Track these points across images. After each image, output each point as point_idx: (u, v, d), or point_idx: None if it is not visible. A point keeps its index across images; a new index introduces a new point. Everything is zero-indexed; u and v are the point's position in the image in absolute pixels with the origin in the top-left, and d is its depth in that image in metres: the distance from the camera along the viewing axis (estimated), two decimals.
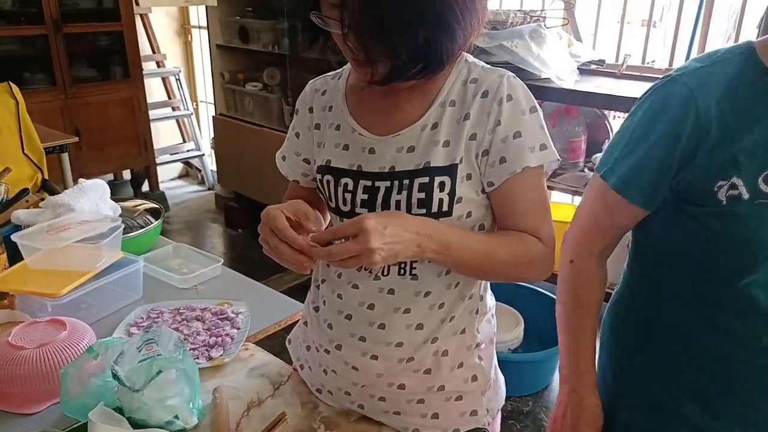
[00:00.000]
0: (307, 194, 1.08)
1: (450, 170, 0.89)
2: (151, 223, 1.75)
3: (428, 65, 0.85)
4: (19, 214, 1.55)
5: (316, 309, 1.05)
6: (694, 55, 2.58)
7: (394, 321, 0.95)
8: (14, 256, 1.44)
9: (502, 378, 1.11)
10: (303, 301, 1.14)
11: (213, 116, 4.23)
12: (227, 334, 1.28)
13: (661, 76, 0.97)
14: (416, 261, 0.93)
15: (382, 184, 0.92)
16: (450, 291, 0.96)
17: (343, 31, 0.82)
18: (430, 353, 0.98)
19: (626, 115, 1.00)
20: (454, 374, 1.00)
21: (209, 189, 4.84)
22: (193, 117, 4.84)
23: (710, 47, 2.55)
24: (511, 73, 0.92)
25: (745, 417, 0.94)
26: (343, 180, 0.95)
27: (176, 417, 1.01)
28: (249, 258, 3.63)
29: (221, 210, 4.35)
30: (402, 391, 0.99)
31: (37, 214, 1.55)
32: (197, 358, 1.21)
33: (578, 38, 2.76)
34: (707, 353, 0.95)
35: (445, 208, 0.90)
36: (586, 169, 2.53)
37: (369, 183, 0.93)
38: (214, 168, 4.56)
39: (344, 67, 1.03)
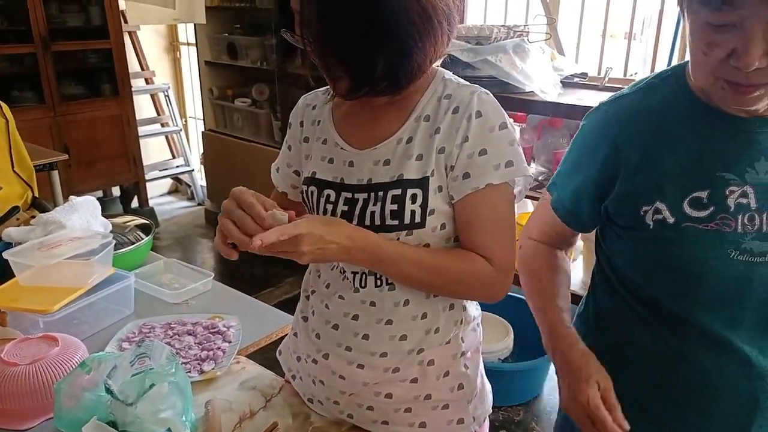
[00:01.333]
0: (289, 206, 1.08)
1: (422, 183, 0.92)
2: (142, 239, 1.76)
3: (388, 84, 0.89)
4: (10, 231, 1.56)
5: (305, 319, 1.07)
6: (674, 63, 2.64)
7: (377, 332, 0.98)
8: (5, 273, 1.45)
9: (488, 386, 1.13)
10: (293, 314, 1.16)
11: (202, 132, 4.25)
12: (219, 348, 1.29)
13: None
14: None
15: (361, 196, 0.95)
16: (430, 301, 0.99)
17: (306, 48, 0.88)
18: (416, 363, 1.00)
19: None
20: (441, 383, 1.02)
21: (199, 204, 4.84)
22: (182, 133, 4.85)
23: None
24: (483, 90, 0.94)
25: None
26: (326, 191, 0.99)
27: (169, 430, 1.02)
28: (239, 273, 3.64)
29: (211, 225, 4.36)
30: (389, 400, 1.01)
31: (28, 231, 1.56)
32: (189, 371, 1.22)
33: (561, 52, 2.82)
34: (662, 374, 0.95)
35: (417, 219, 0.92)
36: None
37: (350, 195, 0.96)
38: (204, 183, 4.57)
39: None
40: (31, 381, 1.10)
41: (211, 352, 1.27)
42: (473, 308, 1.07)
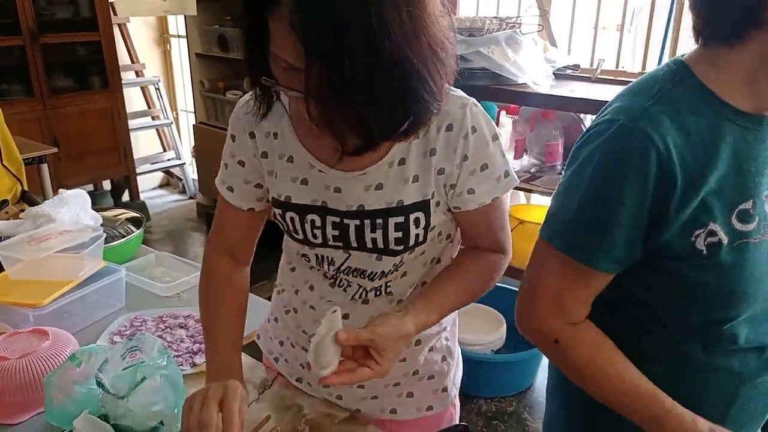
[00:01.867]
0: (249, 220, 1.04)
1: (423, 206, 0.91)
2: (133, 232, 1.75)
3: (401, 133, 0.78)
4: None
5: (287, 312, 1.08)
6: (666, 58, 2.65)
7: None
8: None
9: (459, 349, 1.16)
10: None
11: (193, 125, 4.22)
12: None
13: (600, 118, 0.83)
14: (390, 281, 0.98)
15: (351, 222, 0.92)
16: (416, 291, 1.01)
17: (306, 100, 0.72)
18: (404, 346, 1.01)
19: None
20: (427, 358, 1.06)
21: (190, 198, 4.82)
22: (173, 126, 4.82)
23: (681, 50, 2.62)
24: (472, 101, 0.89)
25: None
26: (309, 216, 0.94)
27: (161, 423, 1.01)
28: None
29: (203, 219, 4.34)
30: (379, 379, 1.02)
31: (18, 225, 1.55)
32: (181, 364, 1.22)
33: (553, 44, 2.81)
34: (700, 390, 0.89)
35: (421, 239, 0.93)
36: (563, 172, 2.57)
37: (337, 219, 0.92)
38: (195, 177, 4.55)
39: None
40: (21, 375, 1.09)
41: (203, 345, 1.26)
42: None
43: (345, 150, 0.79)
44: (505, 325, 2.59)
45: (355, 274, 0.97)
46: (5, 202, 1.71)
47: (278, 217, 0.98)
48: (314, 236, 0.95)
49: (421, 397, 1.08)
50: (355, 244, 0.93)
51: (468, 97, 0.90)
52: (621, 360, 0.86)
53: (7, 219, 1.62)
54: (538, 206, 2.88)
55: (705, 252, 0.79)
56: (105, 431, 0.97)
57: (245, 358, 1.27)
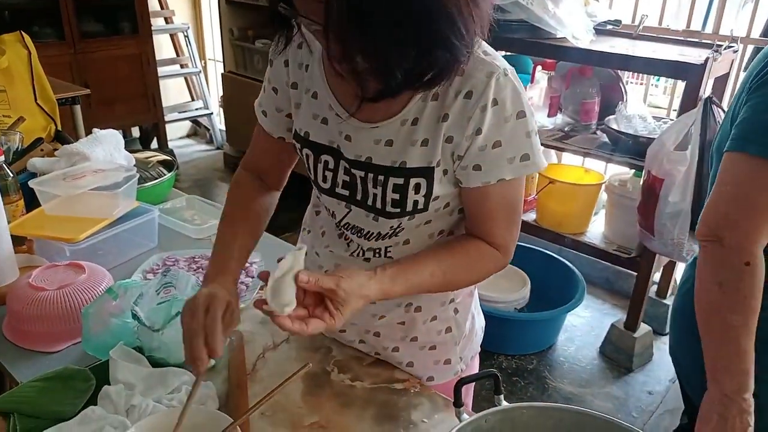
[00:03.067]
0: (281, 150, 1.03)
1: (426, 172, 0.85)
2: (164, 174, 1.76)
3: (425, 83, 0.75)
4: (35, 162, 1.56)
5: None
6: (711, 17, 2.54)
7: None
8: (30, 202, 1.46)
9: (480, 323, 1.13)
10: None
11: (222, 74, 4.20)
12: (242, 282, 1.30)
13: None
14: (391, 246, 0.95)
15: (358, 174, 0.89)
16: None
17: (325, 33, 0.68)
18: (403, 311, 1.01)
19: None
20: (428, 327, 1.03)
21: (217, 148, 4.84)
22: (202, 75, 4.80)
23: (728, 9, 2.50)
24: (502, 70, 0.80)
25: None
26: (324, 157, 0.92)
27: None
28: None
29: (230, 169, 4.36)
30: (377, 338, 1.04)
31: (53, 162, 1.56)
32: None
33: None
34: None
35: (420, 206, 0.88)
36: (598, 132, 2.51)
37: (347, 166, 0.90)
38: (223, 127, 4.55)
39: None
40: (58, 305, 1.11)
41: None
42: None
43: (365, 94, 0.76)
44: (529, 285, 2.58)
45: (353, 231, 0.96)
46: (40, 140, 1.73)
47: (297, 150, 0.97)
48: (324, 179, 0.93)
49: (421, 367, 1.05)
50: (359, 197, 0.91)
51: (500, 65, 0.80)
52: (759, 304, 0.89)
53: (43, 157, 1.64)
54: (570, 166, 2.82)
55: None
56: (140, 362, 1.00)
57: None
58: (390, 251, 0.95)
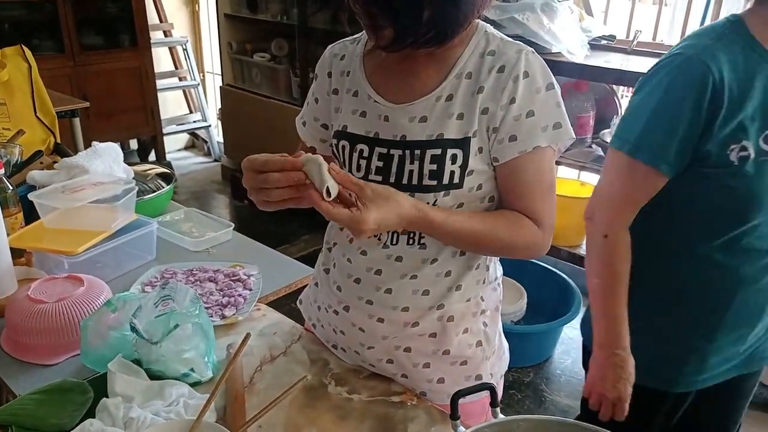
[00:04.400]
0: None
1: (462, 143, 0.90)
2: (163, 187, 1.77)
3: (433, 34, 0.84)
4: (34, 174, 1.57)
5: (327, 271, 1.07)
6: None
7: (400, 286, 0.98)
8: (29, 215, 1.47)
9: (506, 344, 1.13)
10: (312, 267, 1.17)
11: (220, 87, 4.23)
12: (240, 295, 1.31)
13: (669, 53, 1.07)
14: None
15: (396, 153, 0.93)
16: (456, 259, 0.98)
17: None
18: (435, 318, 1.00)
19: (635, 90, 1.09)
20: (459, 339, 1.02)
21: (215, 161, 4.85)
22: (200, 87, 4.83)
23: None
24: (530, 49, 0.91)
25: (735, 341, 1.16)
26: (359, 146, 0.96)
27: (192, 370, 1.04)
28: (255, 229, 3.64)
29: (227, 181, 4.37)
30: (408, 354, 1.02)
31: (52, 175, 1.57)
32: (211, 316, 1.24)
33: (590, 13, 2.74)
34: (706, 289, 1.13)
35: (456, 180, 0.91)
36: (593, 145, 2.53)
37: (384, 150, 0.94)
38: (221, 139, 4.56)
39: (362, 32, 1.03)
40: (57, 318, 1.12)
41: (232, 299, 1.29)
42: (495, 268, 1.06)
43: (379, 43, 0.86)
44: (525, 297, 2.59)
45: None
46: (39, 153, 1.74)
47: (333, 149, 1.02)
48: (358, 168, 0.96)
49: (452, 383, 1.03)
50: (393, 179, 0.93)
51: (526, 45, 0.91)
52: (626, 277, 1.11)
53: (42, 169, 1.64)
54: (565, 179, 2.84)
55: (736, 163, 1.02)
56: (138, 375, 1.00)
57: (273, 313, 1.29)
58: (423, 236, 0.96)
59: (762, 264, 1.11)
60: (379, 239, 0.97)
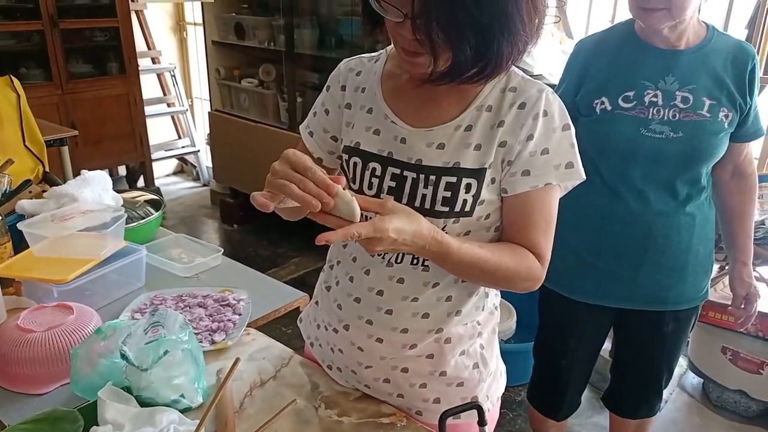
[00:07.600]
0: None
1: (478, 173, 0.92)
2: (152, 214, 1.78)
3: (488, 67, 0.84)
4: (23, 204, 1.58)
5: (328, 288, 1.09)
6: None
7: (401, 308, 0.99)
8: (18, 244, 1.47)
9: (503, 367, 1.15)
10: (301, 291, 1.18)
11: (208, 112, 4.25)
12: (229, 320, 1.32)
13: None
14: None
15: (410, 175, 0.94)
16: (458, 285, 1.00)
17: (409, 18, 0.80)
18: (433, 340, 1.02)
19: None
20: (456, 361, 1.04)
21: (204, 185, 4.86)
22: (188, 113, 4.86)
23: None
24: (549, 89, 0.94)
25: (617, 256, 1.50)
26: (371, 164, 0.97)
27: (182, 396, 1.05)
28: (245, 253, 3.66)
29: (216, 206, 4.38)
30: (405, 374, 1.03)
31: (41, 204, 1.58)
32: (201, 342, 1.24)
33: (570, 35, 2.81)
34: (593, 216, 1.50)
35: (467, 208, 0.93)
36: None
37: (398, 171, 0.95)
38: (210, 164, 4.58)
39: (382, 50, 1.05)
40: (47, 347, 1.12)
41: (221, 324, 1.30)
42: (494, 294, 1.08)
43: (432, 77, 0.86)
44: (515, 316, 2.60)
45: None
46: (28, 182, 1.75)
47: (344, 164, 1.03)
48: (370, 186, 0.97)
49: (447, 403, 1.03)
50: (405, 200, 0.94)
51: (547, 86, 0.94)
52: None
53: (31, 198, 1.65)
54: None
55: (598, 112, 1.43)
56: (128, 402, 1.01)
57: (262, 337, 1.30)
58: (427, 261, 0.97)
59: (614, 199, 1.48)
60: (383, 258, 0.99)
